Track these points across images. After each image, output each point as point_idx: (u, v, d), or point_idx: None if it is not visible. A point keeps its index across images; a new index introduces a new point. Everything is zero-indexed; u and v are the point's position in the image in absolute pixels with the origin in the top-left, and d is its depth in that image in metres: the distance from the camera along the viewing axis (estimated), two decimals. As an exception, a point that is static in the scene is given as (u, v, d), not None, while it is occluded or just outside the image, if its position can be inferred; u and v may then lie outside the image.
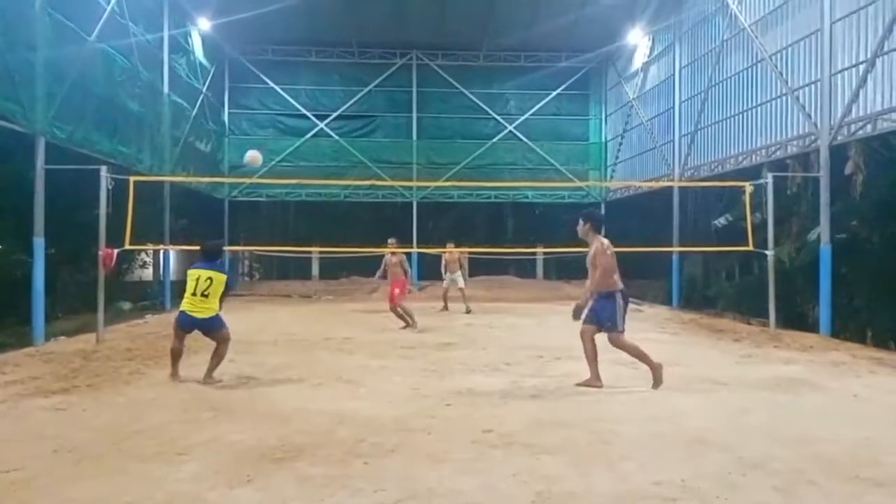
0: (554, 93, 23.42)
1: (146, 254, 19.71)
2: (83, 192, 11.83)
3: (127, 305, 16.41)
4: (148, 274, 21.21)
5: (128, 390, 6.77)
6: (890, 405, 6.23)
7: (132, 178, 11.24)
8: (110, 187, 10.68)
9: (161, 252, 17.39)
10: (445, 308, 15.76)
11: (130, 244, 11.27)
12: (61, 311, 13.42)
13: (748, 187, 12.55)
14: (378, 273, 12.97)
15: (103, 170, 10.62)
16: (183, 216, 19.93)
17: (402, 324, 12.30)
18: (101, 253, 10.56)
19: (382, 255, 12.76)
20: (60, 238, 12.17)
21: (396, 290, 12.21)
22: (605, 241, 6.81)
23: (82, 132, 11.84)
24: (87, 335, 10.90)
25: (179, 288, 20.00)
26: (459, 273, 15.78)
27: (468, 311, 15.22)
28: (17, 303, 11.00)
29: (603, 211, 23.01)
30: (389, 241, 12.78)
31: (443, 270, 15.95)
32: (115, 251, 10.82)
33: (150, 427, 5.27)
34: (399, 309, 12.25)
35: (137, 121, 14.45)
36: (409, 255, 20.99)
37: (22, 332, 10.56)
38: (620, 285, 6.79)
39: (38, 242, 10.19)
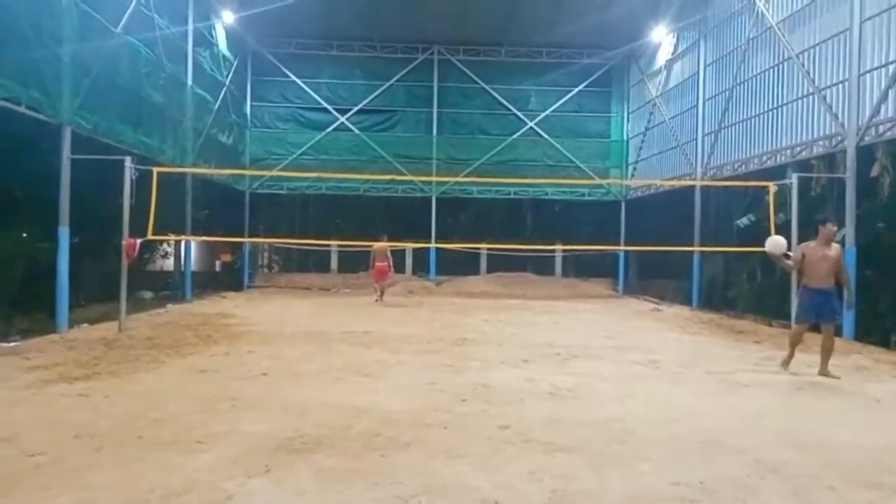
0: (576, 89, 23.25)
1: (168, 244, 19.90)
2: (107, 183, 11.97)
3: (148, 295, 16.61)
4: (169, 264, 21.41)
5: (148, 378, 6.88)
6: (913, 411, 6.13)
7: (155, 169, 11.34)
8: (134, 177, 10.80)
9: (182, 243, 17.57)
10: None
11: (153, 234, 11.39)
12: (84, 299, 13.62)
13: (772, 187, 12.39)
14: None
15: (128, 160, 10.72)
16: (204, 207, 20.10)
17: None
18: (124, 243, 10.69)
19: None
20: (84, 227, 12.32)
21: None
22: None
23: (107, 123, 11.99)
24: (109, 323, 11.07)
25: (199, 278, 20.20)
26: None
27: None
28: (41, 291, 11.17)
29: (623, 209, 22.93)
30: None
31: None
32: (138, 241, 10.94)
33: (169, 415, 5.34)
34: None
35: (161, 112, 14.61)
36: (426, 250, 21.20)
37: (46, 320, 10.75)
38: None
39: (63, 232, 10.35)
